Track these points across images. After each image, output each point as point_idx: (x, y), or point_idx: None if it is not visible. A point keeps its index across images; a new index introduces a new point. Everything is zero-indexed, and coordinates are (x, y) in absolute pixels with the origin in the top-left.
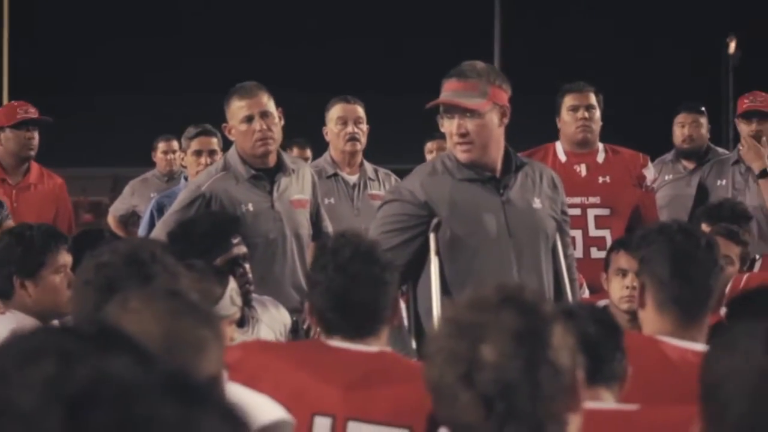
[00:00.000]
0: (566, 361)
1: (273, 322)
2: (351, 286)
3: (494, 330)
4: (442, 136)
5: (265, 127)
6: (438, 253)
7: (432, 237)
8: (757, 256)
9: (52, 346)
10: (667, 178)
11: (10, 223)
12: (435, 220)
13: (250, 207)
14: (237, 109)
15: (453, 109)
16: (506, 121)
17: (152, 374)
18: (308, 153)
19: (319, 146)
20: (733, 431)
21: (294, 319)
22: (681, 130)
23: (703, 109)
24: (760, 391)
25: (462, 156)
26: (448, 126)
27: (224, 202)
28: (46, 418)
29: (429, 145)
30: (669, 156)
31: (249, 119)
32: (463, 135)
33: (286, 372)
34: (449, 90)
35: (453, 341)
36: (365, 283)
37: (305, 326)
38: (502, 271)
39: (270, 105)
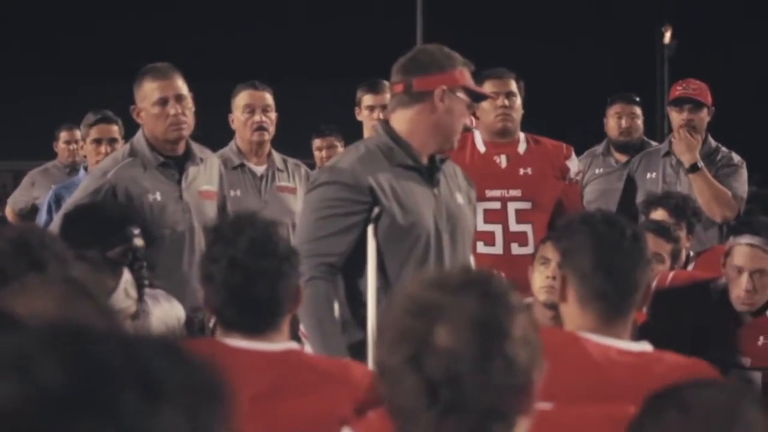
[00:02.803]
0: (524, 357)
1: (165, 315)
2: (248, 281)
3: (452, 313)
4: (332, 133)
5: (179, 110)
6: (376, 242)
7: (371, 227)
8: (691, 253)
9: None
10: (597, 171)
11: None
12: (376, 210)
13: (158, 196)
14: (150, 90)
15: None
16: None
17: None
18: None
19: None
20: None
21: (200, 317)
22: (617, 121)
23: (638, 99)
24: None
25: (455, 144)
26: (467, 114)
27: (131, 190)
28: None
29: (318, 142)
30: (599, 148)
31: (163, 102)
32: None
33: None
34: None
35: (407, 319)
36: (263, 277)
37: (212, 324)
38: (437, 266)
39: (184, 88)
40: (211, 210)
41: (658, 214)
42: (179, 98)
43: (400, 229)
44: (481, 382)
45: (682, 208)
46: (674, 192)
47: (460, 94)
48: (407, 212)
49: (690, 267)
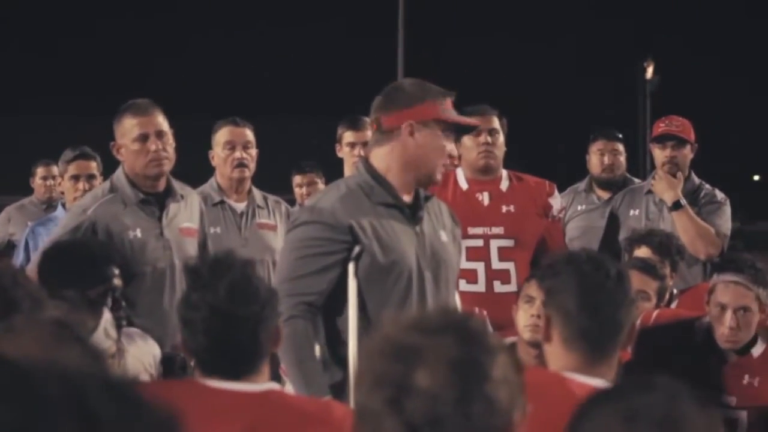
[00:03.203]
0: (504, 398)
1: (141, 353)
2: (228, 328)
3: (431, 355)
4: (313, 170)
5: (160, 147)
6: (357, 281)
7: (352, 265)
8: (675, 291)
9: None
10: (579, 208)
11: None
12: (357, 249)
13: (139, 233)
14: (130, 126)
15: (456, 130)
16: None
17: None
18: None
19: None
20: None
21: (181, 355)
22: (599, 158)
23: (621, 135)
24: None
25: (440, 178)
26: (448, 145)
27: (111, 227)
28: None
29: (298, 179)
30: (582, 185)
31: (143, 138)
32: (451, 158)
33: None
34: (452, 109)
35: (386, 362)
36: (244, 324)
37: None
38: (419, 305)
39: (165, 124)
40: (191, 247)
41: (642, 252)
42: (160, 134)
43: (380, 268)
44: (462, 424)
45: (666, 246)
46: (658, 230)
47: (434, 127)
48: (388, 251)
49: (674, 305)
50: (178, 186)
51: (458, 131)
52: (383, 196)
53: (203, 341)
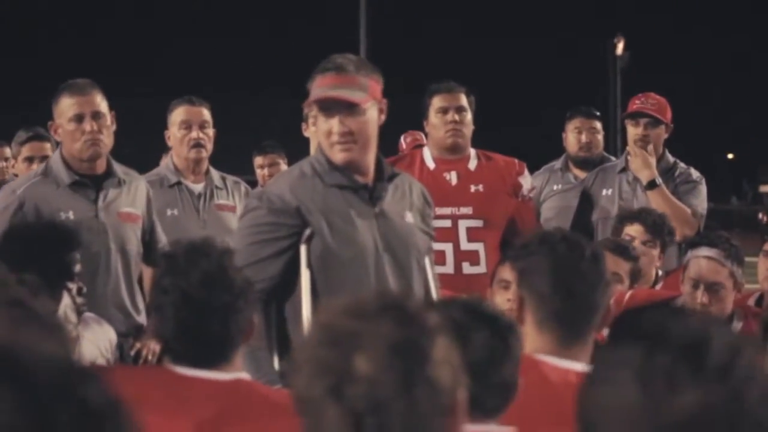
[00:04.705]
0: (447, 379)
1: (96, 338)
2: (200, 316)
3: (370, 340)
4: (274, 150)
5: (95, 128)
6: (309, 265)
7: (303, 249)
8: (660, 273)
9: None
10: (555, 188)
11: None
12: (307, 231)
13: (71, 215)
14: (66, 106)
15: (333, 106)
16: (383, 118)
17: None
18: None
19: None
20: None
21: (130, 341)
22: (577, 136)
23: (598, 113)
24: (634, 428)
25: (341, 156)
26: (325, 125)
27: (41, 208)
28: None
29: (259, 160)
30: (557, 164)
31: (79, 118)
32: (345, 134)
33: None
34: (326, 85)
35: (324, 349)
36: (216, 313)
37: (132, 352)
38: (376, 287)
39: (103, 105)
40: (132, 233)
41: (634, 229)
42: (96, 115)
43: (332, 251)
44: (405, 408)
45: (660, 226)
46: (651, 209)
47: (316, 111)
48: (339, 234)
49: (658, 286)
50: (121, 170)
51: (331, 107)
52: (336, 178)
53: (173, 327)
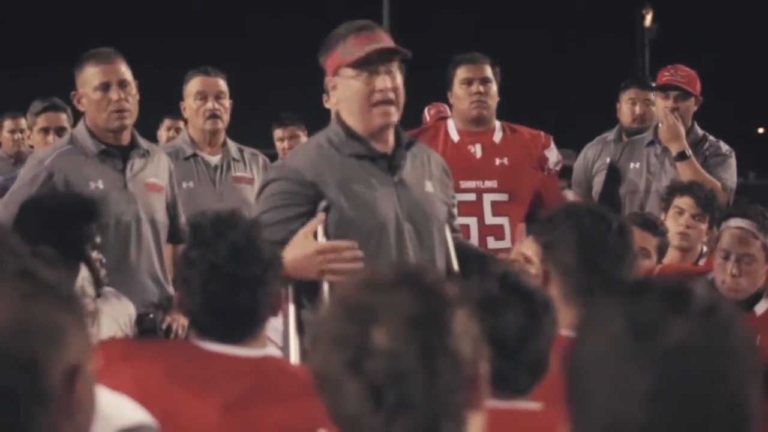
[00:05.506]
0: (468, 351)
1: (115, 313)
2: (227, 289)
3: (388, 313)
4: (294, 122)
5: (122, 96)
6: (326, 233)
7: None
8: (704, 249)
9: None
10: (608, 160)
11: None
12: (323, 203)
13: (101, 184)
14: (92, 75)
15: (378, 60)
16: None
17: None
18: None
19: None
20: (596, 417)
21: (151, 316)
22: (631, 107)
23: (654, 84)
24: (620, 372)
25: (380, 120)
26: (366, 84)
27: (70, 178)
28: None
29: (279, 132)
30: (611, 135)
31: (105, 87)
32: (391, 90)
33: (157, 387)
34: (367, 41)
35: (342, 324)
36: (244, 286)
37: (164, 326)
38: (399, 260)
39: (128, 74)
40: (159, 203)
41: (684, 201)
42: (122, 84)
43: (350, 222)
44: (426, 381)
45: (710, 200)
46: (702, 183)
47: (344, 73)
48: (357, 205)
49: (702, 261)
50: (143, 142)
51: (375, 61)
52: (354, 148)
53: (200, 300)
